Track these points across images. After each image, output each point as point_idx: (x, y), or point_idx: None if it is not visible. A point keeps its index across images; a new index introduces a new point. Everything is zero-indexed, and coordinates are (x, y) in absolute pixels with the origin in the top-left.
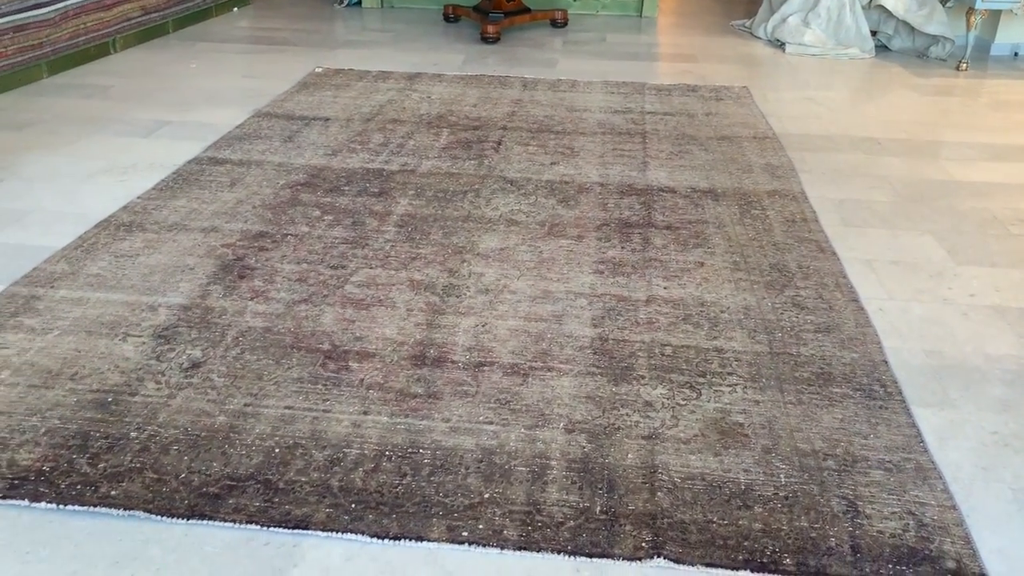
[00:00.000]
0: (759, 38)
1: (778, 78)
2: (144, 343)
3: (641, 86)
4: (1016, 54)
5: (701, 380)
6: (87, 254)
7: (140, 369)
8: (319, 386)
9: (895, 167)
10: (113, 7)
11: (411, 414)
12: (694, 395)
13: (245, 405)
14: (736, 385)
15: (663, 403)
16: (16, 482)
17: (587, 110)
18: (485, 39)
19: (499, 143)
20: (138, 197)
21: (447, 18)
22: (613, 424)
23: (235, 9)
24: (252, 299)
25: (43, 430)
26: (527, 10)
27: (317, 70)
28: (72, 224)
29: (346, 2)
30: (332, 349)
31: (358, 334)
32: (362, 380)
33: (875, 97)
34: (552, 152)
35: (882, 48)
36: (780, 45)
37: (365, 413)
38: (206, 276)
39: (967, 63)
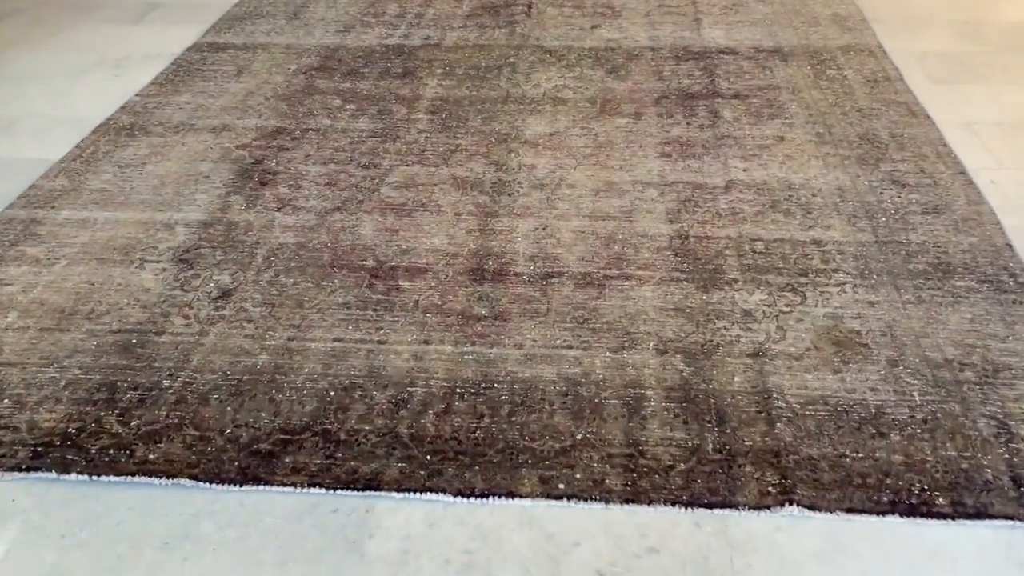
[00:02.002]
0: None
1: None
2: (164, 269)
3: None
4: None
5: (803, 280)
6: (88, 166)
7: (164, 302)
8: (369, 312)
9: (979, 9)
10: None
11: (478, 341)
12: (798, 300)
13: (288, 339)
14: (844, 284)
15: (764, 312)
16: (40, 449)
17: None
18: None
19: (530, 5)
20: (137, 95)
21: None
22: (711, 341)
23: None
24: (279, 209)
25: (63, 382)
26: None
27: None
28: (67, 130)
29: None
30: (377, 266)
31: (404, 246)
32: (416, 302)
33: None
34: (591, 13)
35: None
36: None
37: (426, 342)
38: (224, 184)
39: None
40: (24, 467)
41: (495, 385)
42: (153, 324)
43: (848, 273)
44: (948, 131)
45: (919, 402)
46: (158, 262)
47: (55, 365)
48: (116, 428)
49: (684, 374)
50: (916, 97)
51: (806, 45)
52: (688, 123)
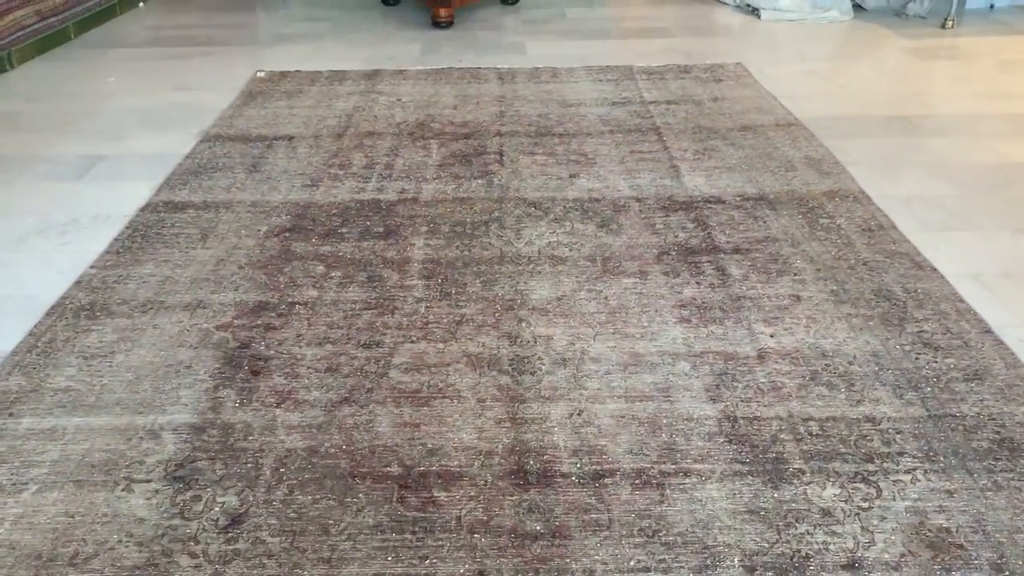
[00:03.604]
0: (726, 3)
1: (766, 50)
2: (157, 492)
3: (628, 70)
4: (992, 6)
5: (871, 468)
6: (47, 358)
7: (163, 536)
8: (407, 535)
9: (942, 151)
10: (4, 14)
11: (542, 568)
12: (873, 492)
13: None
14: (914, 470)
15: (843, 509)
16: None
17: (582, 104)
18: (437, 24)
19: (500, 154)
20: (92, 266)
21: (386, 1)
22: (798, 551)
23: (141, 5)
24: (279, 405)
25: None
26: None
27: (259, 75)
28: (16, 314)
29: None
30: (405, 473)
31: (430, 445)
32: (459, 519)
33: (877, 66)
34: (565, 161)
35: (856, 8)
36: (752, 11)
37: (482, 573)
38: (210, 376)
39: (953, 20)
40: None
41: None
42: (155, 568)
43: (914, 456)
44: (959, 285)
45: None
46: (148, 481)
47: None
48: None
49: None
50: (915, 247)
51: (790, 191)
52: (698, 282)
